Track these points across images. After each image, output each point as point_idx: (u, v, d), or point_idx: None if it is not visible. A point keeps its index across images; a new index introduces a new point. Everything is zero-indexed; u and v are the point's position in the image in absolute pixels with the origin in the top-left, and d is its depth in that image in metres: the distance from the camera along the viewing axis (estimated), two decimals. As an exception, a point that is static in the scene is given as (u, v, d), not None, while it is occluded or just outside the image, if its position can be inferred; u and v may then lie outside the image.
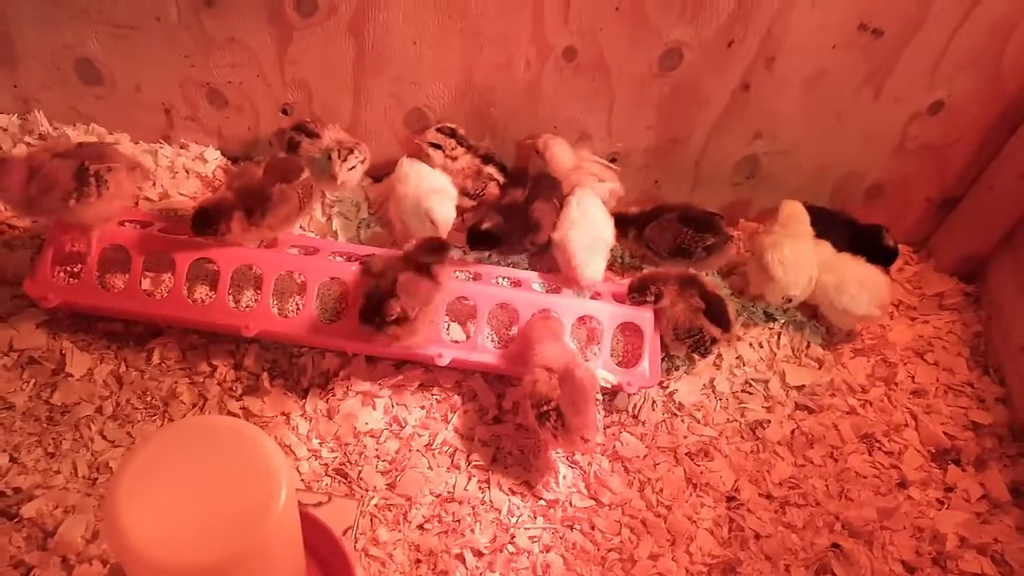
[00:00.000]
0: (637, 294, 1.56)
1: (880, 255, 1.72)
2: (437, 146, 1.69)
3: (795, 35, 1.54)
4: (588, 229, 1.62)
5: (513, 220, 1.62)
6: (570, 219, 1.63)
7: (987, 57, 1.56)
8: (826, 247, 1.69)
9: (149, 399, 1.45)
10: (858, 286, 1.63)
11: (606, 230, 1.65)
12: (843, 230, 1.73)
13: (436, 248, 1.45)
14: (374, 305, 1.36)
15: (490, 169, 1.72)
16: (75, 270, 1.54)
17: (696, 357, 1.60)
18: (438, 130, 1.70)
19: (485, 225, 1.60)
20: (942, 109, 1.65)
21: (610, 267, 1.69)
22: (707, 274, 1.68)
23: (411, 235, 1.58)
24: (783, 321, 1.73)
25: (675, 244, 1.66)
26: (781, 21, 1.52)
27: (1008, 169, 1.67)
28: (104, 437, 1.39)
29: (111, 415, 1.42)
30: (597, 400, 1.38)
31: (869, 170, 1.78)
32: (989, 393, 1.66)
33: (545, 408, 1.35)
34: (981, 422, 1.61)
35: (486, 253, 1.67)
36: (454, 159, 1.70)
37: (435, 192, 1.59)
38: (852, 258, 1.68)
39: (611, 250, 1.66)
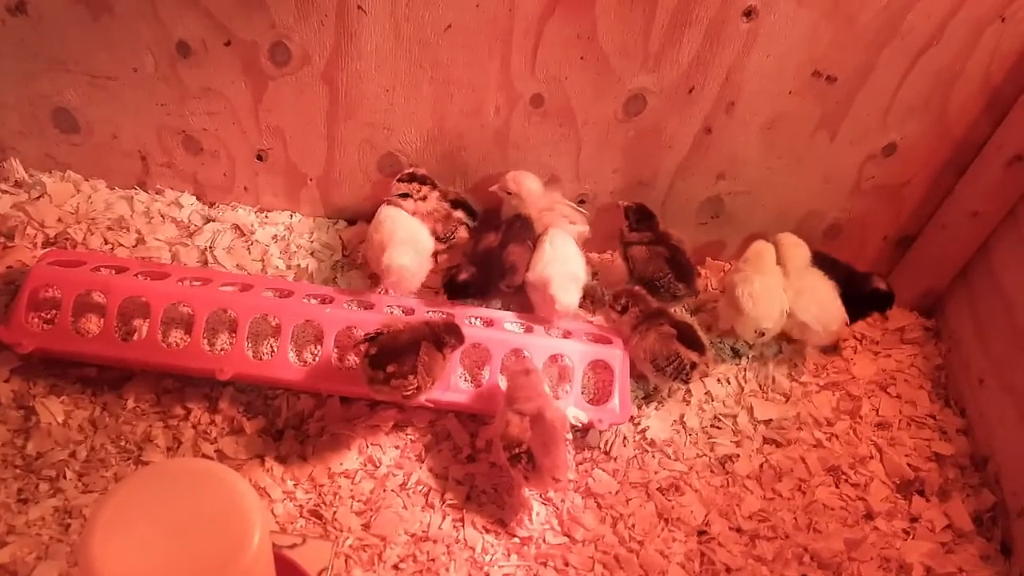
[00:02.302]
0: (613, 300, 1.65)
1: (873, 299, 1.76)
2: (406, 195, 1.72)
3: (753, 81, 1.61)
4: (562, 266, 1.66)
5: (489, 265, 1.67)
6: (544, 259, 1.67)
7: (934, 102, 1.63)
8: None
9: (123, 443, 1.45)
10: (814, 303, 1.70)
11: (579, 268, 1.69)
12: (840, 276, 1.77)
13: (456, 330, 1.47)
14: (386, 357, 1.39)
15: (459, 214, 1.76)
16: (49, 316, 1.55)
17: (680, 385, 1.63)
18: (399, 180, 1.72)
19: (462, 277, 1.65)
20: (895, 151, 1.72)
21: (582, 306, 1.73)
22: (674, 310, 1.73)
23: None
24: (750, 357, 1.77)
25: (651, 276, 1.70)
26: (739, 69, 1.59)
27: (959, 208, 1.74)
28: (78, 482, 1.39)
29: (85, 459, 1.42)
30: (568, 440, 1.41)
31: (828, 209, 1.84)
32: (950, 424, 1.70)
33: (517, 451, 1.38)
34: (943, 453, 1.64)
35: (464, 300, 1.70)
36: (424, 199, 1.73)
37: (406, 251, 1.64)
38: (825, 280, 1.73)
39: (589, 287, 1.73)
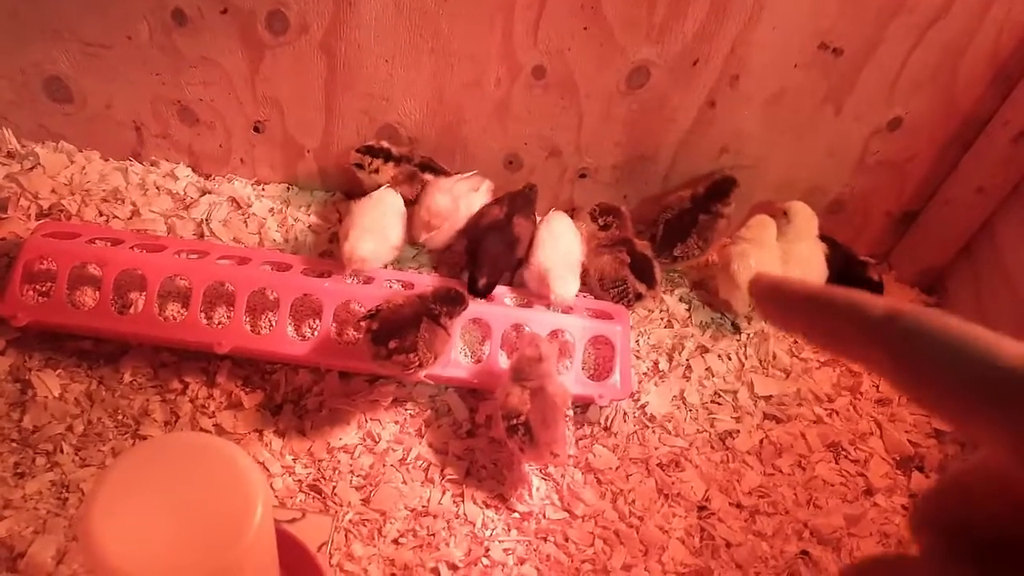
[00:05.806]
0: (599, 212, 1.71)
1: (865, 288, 1.74)
2: (359, 166, 1.70)
3: (758, 54, 1.58)
4: (559, 248, 1.66)
5: (499, 240, 1.64)
6: (540, 239, 1.67)
7: (941, 76, 1.61)
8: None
9: (121, 417, 1.44)
10: (798, 267, 1.72)
11: (576, 248, 1.69)
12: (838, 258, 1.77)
13: (455, 298, 1.45)
14: (388, 333, 1.37)
15: (427, 176, 1.73)
16: (44, 289, 1.53)
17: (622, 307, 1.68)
18: (356, 151, 1.70)
19: (481, 283, 1.60)
20: (901, 125, 1.70)
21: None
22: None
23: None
24: (751, 332, 1.76)
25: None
26: (744, 41, 1.56)
27: (964, 184, 1.72)
28: (75, 456, 1.38)
29: (82, 433, 1.41)
30: (568, 415, 1.40)
31: (831, 185, 1.82)
32: (950, 401, 1.70)
33: (514, 421, 1.37)
34: (944, 429, 1.64)
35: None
36: (376, 171, 1.70)
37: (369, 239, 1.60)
38: (819, 251, 1.74)
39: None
